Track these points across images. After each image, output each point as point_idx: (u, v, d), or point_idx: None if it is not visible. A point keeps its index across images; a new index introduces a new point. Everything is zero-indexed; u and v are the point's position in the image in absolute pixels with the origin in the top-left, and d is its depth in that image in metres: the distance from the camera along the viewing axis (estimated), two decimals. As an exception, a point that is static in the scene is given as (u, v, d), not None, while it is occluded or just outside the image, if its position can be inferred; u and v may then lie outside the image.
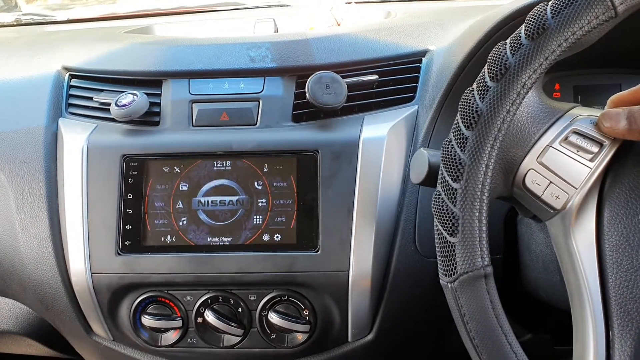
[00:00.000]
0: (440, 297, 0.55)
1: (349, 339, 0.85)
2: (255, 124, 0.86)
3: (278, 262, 0.80)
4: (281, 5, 1.35)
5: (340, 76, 0.85)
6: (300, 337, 0.83)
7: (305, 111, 0.87)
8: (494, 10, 0.82)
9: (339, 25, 1.14)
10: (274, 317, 0.81)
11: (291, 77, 0.89)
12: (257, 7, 1.35)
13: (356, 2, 1.29)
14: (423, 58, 0.90)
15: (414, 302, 0.83)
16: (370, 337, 0.84)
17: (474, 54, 0.80)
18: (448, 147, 0.53)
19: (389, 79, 0.89)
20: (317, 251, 0.80)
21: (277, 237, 0.81)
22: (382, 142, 0.82)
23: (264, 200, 0.82)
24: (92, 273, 0.82)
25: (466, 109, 0.53)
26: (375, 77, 0.88)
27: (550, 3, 0.51)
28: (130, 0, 1.58)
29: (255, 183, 0.82)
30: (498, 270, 0.77)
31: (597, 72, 0.92)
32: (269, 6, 1.35)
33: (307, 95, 0.83)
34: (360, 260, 0.80)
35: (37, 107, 0.91)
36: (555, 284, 0.67)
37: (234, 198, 0.82)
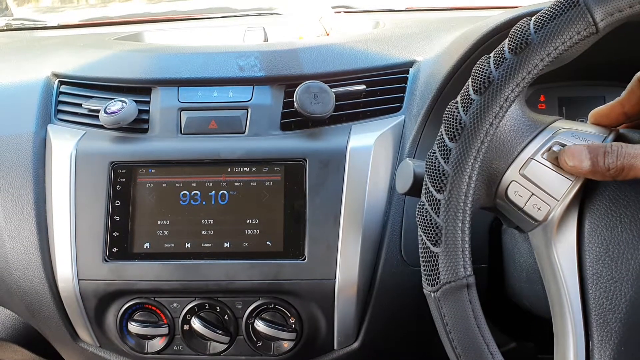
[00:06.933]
0: (426, 305, 0.55)
1: (335, 347, 0.85)
2: (244, 132, 0.87)
3: (265, 270, 0.81)
4: (271, 13, 1.36)
5: (329, 86, 0.85)
6: (287, 345, 0.83)
7: (294, 120, 0.87)
8: (479, 23, 0.84)
9: (328, 35, 1.15)
10: (260, 325, 0.82)
11: (280, 86, 0.90)
12: (247, 15, 1.36)
13: (345, 12, 1.30)
14: (410, 69, 0.91)
15: (400, 310, 0.84)
16: (356, 345, 0.85)
17: (459, 66, 0.81)
18: (432, 159, 0.54)
19: (376, 89, 0.89)
20: (304, 259, 0.80)
21: (264, 245, 0.81)
22: (369, 151, 0.83)
23: (251, 208, 0.82)
24: (79, 279, 0.82)
25: (450, 121, 0.53)
26: (362, 87, 0.89)
27: (533, 18, 0.51)
28: (120, 4, 1.59)
29: (243, 191, 0.83)
30: (483, 279, 0.79)
31: (581, 84, 0.93)
32: (259, 14, 1.36)
33: (295, 104, 0.84)
34: (347, 269, 0.80)
35: (26, 113, 0.91)
36: (538, 294, 0.67)
37: (222, 206, 0.83)
